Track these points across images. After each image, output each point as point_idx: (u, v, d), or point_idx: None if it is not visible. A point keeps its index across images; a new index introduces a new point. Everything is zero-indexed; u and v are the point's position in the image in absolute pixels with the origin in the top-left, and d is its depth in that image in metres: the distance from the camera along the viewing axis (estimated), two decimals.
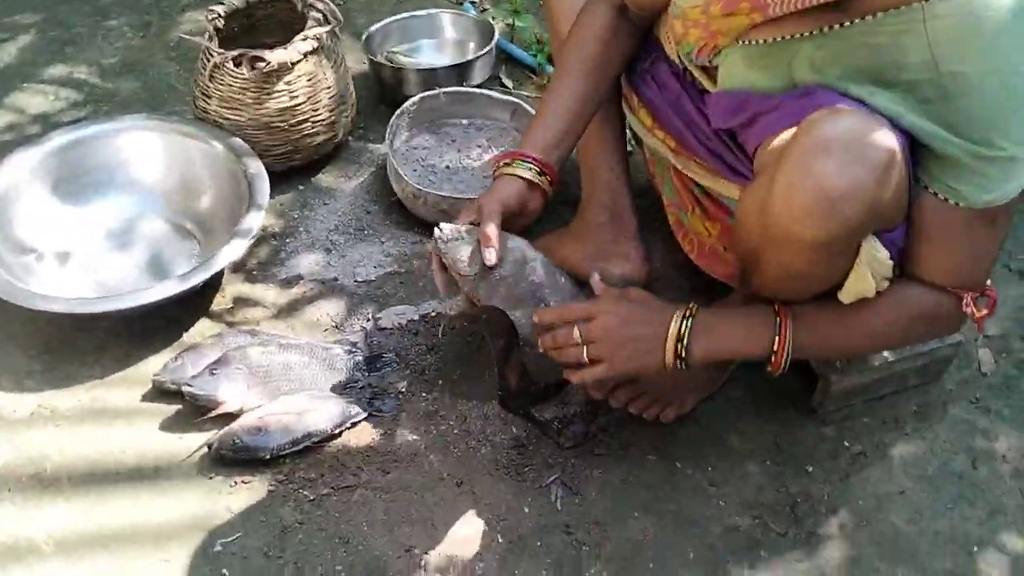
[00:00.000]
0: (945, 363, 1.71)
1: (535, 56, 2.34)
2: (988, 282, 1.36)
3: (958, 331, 1.45)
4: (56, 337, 1.72)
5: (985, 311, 1.35)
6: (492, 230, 1.47)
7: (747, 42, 1.32)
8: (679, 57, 1.49)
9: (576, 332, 1.39)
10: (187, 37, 2.04)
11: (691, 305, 1.39)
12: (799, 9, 1.22)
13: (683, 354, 1.36)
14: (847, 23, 1.21)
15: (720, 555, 1.48)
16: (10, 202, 1.80)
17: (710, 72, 1.46)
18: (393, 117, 2.00)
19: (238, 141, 1.89)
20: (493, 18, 2.49)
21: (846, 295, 1.30)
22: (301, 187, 2.03)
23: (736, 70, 1.36)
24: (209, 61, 1.91)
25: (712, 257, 1.66)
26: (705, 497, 1.56)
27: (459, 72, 2.17)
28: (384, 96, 2.19)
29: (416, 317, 1.78)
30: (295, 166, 2.01)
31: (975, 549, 1.51)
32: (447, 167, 2.02)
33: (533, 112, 2.03)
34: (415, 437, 1.61)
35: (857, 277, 1.27)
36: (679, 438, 1.63)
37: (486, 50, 2.21)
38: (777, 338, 1.36)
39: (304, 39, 1.90)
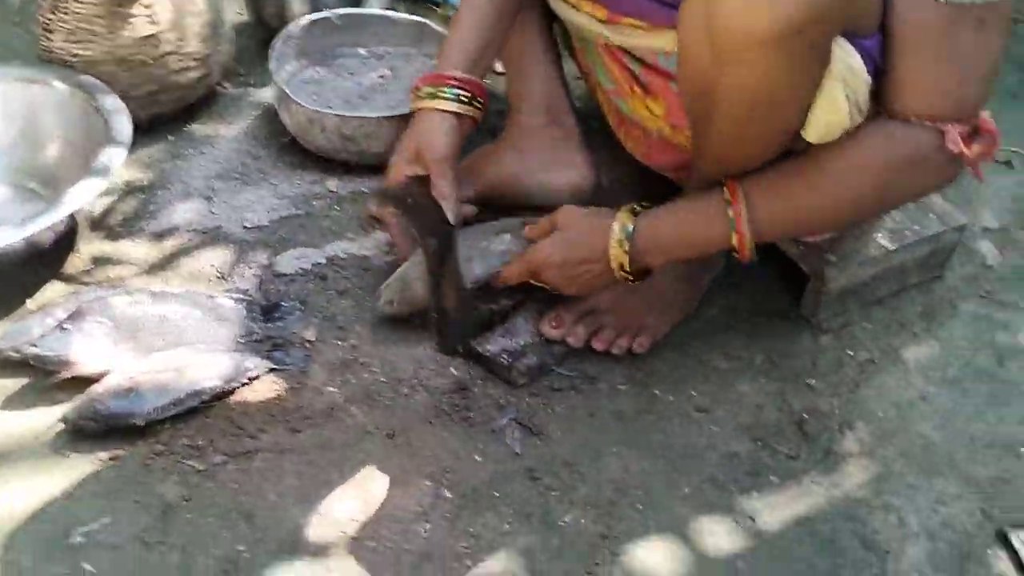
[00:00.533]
0: (947, 253, 1.53)
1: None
2: (986, 114, 1.13)
3: (952, 179, 1.19)
4: None
5: (979, 148, 1.11)
6: (447, 187, 1.33)
7: None
8: None
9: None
10: None
11: (631, 206, 1.24)
12: None
13: (628, 265, 1.22)
14: None
15: (722, 485, 1.24)
16: None
17: None
18: (277, 41, 1.72)
19: (87, 78, 1.59)
20: None
21: (814, 128, 1.10)
22: (171, 137, 1.73)
23: None
24: None
25: (660, 148, 1.43)
26: (694, 424, 1.32)
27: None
28: (268, 38, 1.90)
29: (323, 260, 1.50)
30: (163, 113, 1.71)
31: (1022, 451, 1.29)
32: (345, 103, 1.74)
33: (444, 33, 1.78)
34: (331, 389, 1.32)
35: (828, 101, 1.07)
36: (653, 365, 1.39)
37: None
38: (731, 213, 1.17)
39: None
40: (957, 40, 1.06)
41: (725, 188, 1.17)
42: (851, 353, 1.42)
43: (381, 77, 1.81)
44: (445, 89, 1.34)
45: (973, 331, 1.47)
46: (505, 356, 1.33)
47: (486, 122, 1.47)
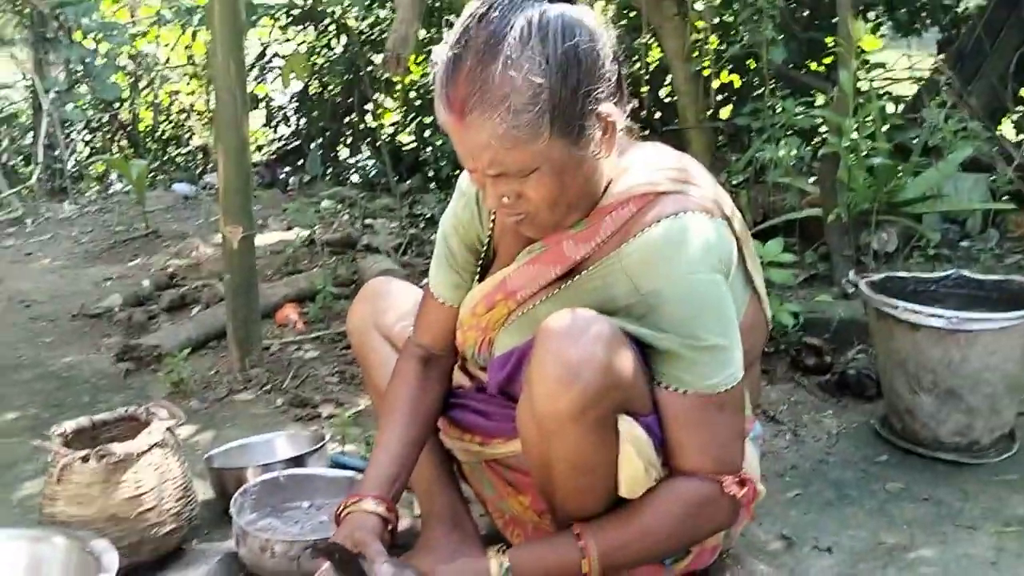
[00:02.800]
0: None
1: (365, 459, 2.56)
2: (746, 469, 1.59)
3: (735, 519, 1.62)
4: None
5: (747, 492, 1.56)
6: (376, 548, 1.58)
7: (510, 323, 1.67)
8: (473, 360, 1.78)
9: None
10: (39, 444, 2.19)
11: (499, 547, 1.56)
12: (540, 288, 1.61)
13: None
14: (570, 281, 1.60)
15: None
16: None
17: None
18: (237, 496, 2.14)
19: (83, 532, 1.94)
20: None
21: (623, 485, 1.52)
22: None
23: (503, 341, 1.68)
24: (57, 465, 2.05)
25: (534, 533, 1.83)
26: None
27: (296, 464, 2.37)
28: (227, 506, 2.32)
29: None
30: (141, 562, 2.06)
31: None
32: (291, 542, 2.12)
33: None
34: None
35: (625, 459, 1.50)
36: None
37: (320, 445, 2.44)
38: (582, 554, 1.52)
39: (149, 432, 2.11)
40: (708, 418, 1.53)
41: (576, 533, 1.53)
42: None
43: (321, 523, 2.20)
44: (371, 500, 1.68)
45: None
46: None
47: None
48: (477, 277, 1.76)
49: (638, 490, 1.53)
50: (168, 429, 2.16)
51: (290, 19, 6.91)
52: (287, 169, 7.06)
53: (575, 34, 1.42)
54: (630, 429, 1.50)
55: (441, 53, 1.45)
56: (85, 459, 2.03)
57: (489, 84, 1.38)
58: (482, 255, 1.76)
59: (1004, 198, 4.00)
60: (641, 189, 1.55)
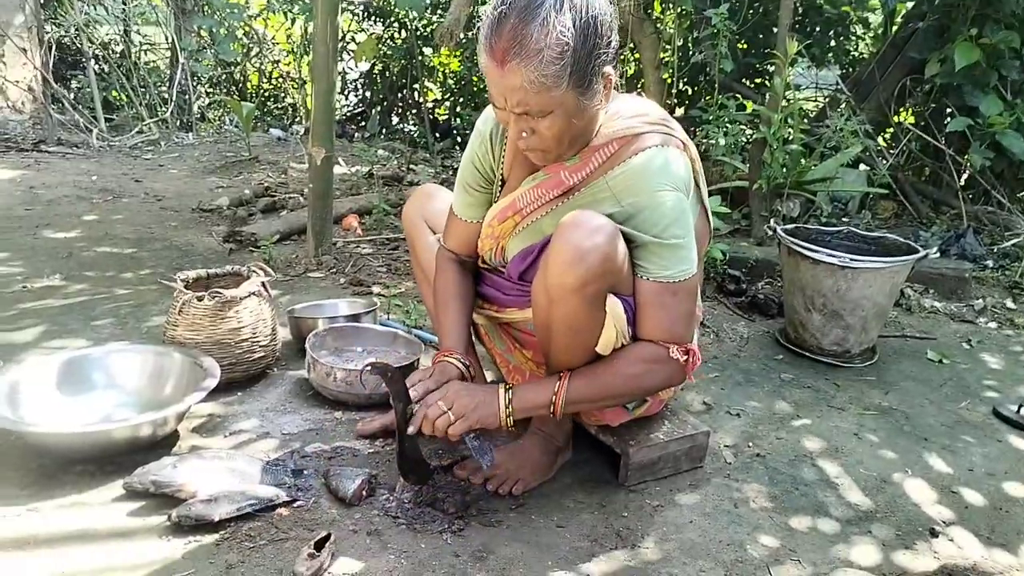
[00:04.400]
0: (703, 449, 1.81)
1: (404, 323, 2.51)
2: (694, 343, 1.53)
3: (682, 380, 1.56)
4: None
5: (690, 360, 1.50)
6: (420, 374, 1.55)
7: (516, 232, 1.59)
8: (490, 261, 1.70)
9: (440, 402, 1.47)
10: (164, 282, 2.12)
11: (508, 384, 1.52)
12: (540, 205, 1.54)
13: (510, 409, 1.47)
14: (566, 200, 1.52)
15: (571, 562, 1.46)
16: (23, 390, 1.74)
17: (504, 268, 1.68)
18: (310, 335, 2.09)
19: (194, 350, 1.92)
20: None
21: (601, 345, 1.46)
22: (240, 392, 2.02)
23: (513, 245, 1.60)
24: (179, 301, 1.99)
25: (531, 379, 1.77)
26: (555, 532, 1.54)
27: (353, 320, 2.32)
28: (302, 345, 2.26)
29: (329, 449, 1.76)
30: (235, 379, 2.01)
31: (747, 549, 1.55)
32: (348, 370, 2.07)
33: (408, 338, 2.20)
34: (332, 511, 1.54)
35: (605, 330, 1.45)
36: (530, 506, 1.62)
37: (371, 309, 2.38)
38: (556, 389, 1.48)
39: (249, 283, 2.04)
40: (663, 301, 1.46)
41: (559, 377, 1.49)
42: (648, 500, 1.66)
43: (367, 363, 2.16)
44: (458, 358, 1.60)
45: (719, 491, 1.72)
46: (443, 496, 1.59)
47: None
48: (494, 199, 1.68)
49: (609, 350, 1.48)
50: (262, 283, 2.09)
51: (365, 14, 6.72)
52: (353, 127, 6.89)
53: (595, 7, 1.34)
54: (613, 305, 1.44)
55: (488, 11, 1.35)
56: (200, 298, 1.98)
57: (527, 40, 1.30)
58: (496, 182, 1.67)
59: (877, 187, 3.95)
60: (621, 133, 1.49)
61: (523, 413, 1.50)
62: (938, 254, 3.42)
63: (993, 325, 2.93)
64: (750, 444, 1.94)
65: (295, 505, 1.54)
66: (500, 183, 1.66)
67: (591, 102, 1.40)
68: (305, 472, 1.65)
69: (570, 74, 1.33)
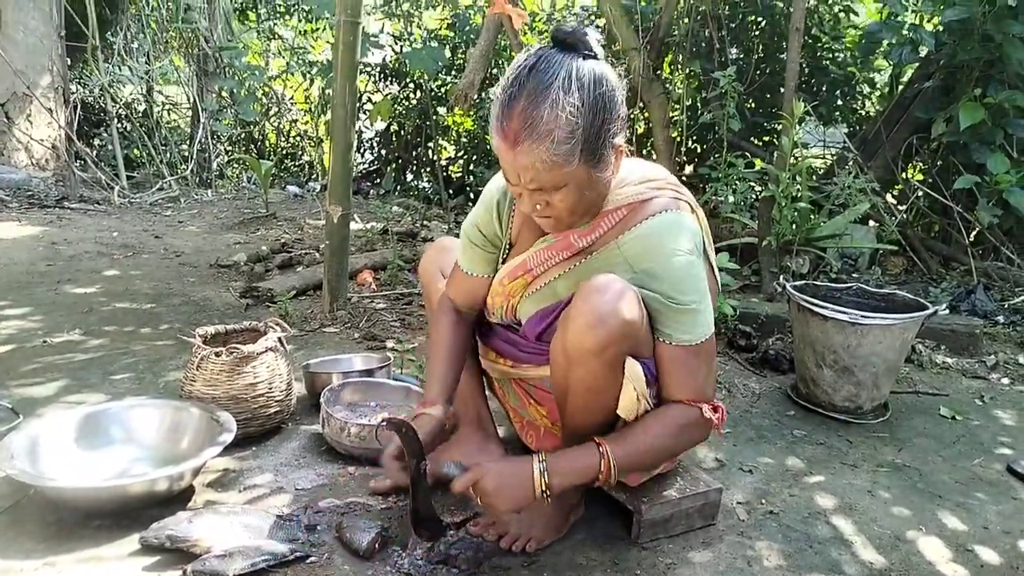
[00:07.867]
0: (716, 506, 1.81)
1: (418, 378, 2.53)
2: (718, 401, 1.55)
3: (707, 435, 1.58)
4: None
5: (718, 416, 1.53)
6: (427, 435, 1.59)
7: (529, 294, 1.63)
8: (500, 319, 1.73)
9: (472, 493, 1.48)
10: (183, 337, 2.16)
11: (539, 453, 1.50)
12: (550, 267, 1.57)
13: (546, 487, 1.45)
14: (579, 263, 1.56)
15: None
16: (43, 444, 1.77)
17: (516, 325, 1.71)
18: (324, 390, 2.12)
19: (210, 405, 1.95)
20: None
21: (624, 409, 1.48)
22: (254, 447, 2.05)
23: (526, 307, 1.64)
24: (197, 356, 2.03)
25: (546, 437, 1.79)
26: None
27: (367, 375, 2.34)
28: (317, 400, 2.29)
29: (342, 504, 1.77)
30: (250, 434, 2.04)
31: None
32: (362, 426, 2.09)
33: (420, 391, 2.21)
34: (345, 567, 1.54)
35: (625, 392, 1.46)
36: (543, 563, 1.62)
37: (385, 364, 2.41)
38: (601, 458, 1.47)
39: (266, 339, 2.08)
40: (688, 363, 1.49)
41: (598, 444, 1.48)
42: (661, 559, 1.65)
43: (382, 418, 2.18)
44: (436, 407, 1.65)
45: (733, 549, 1.71)
46: (454, 550, 1.59)
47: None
48: (501, 260, 1.70)
49: (631, 412, 1.49)
50: (279, 339, 2.13)
51: (381, 75, 6.91)
52: (368, 184, 7.02)
53: (603, 84, 1.38)
54: (632, 367, 1.46)
55: (498, 92, 1.39)
56: (218, 354, 2.01)
57: (538, 121, 1.33)
58: (502, 246, 1.70)
59: (886, 243, 3.98)
60: (630, 199, 1.53)
61: (562, 487, 1.48)
62: (948, 310, 3.43)
63: (1006, 381, 2.92)
64: (763, 501, 1.94)
65: (308, 561, 1.55)
66: (507, 247, 1.70)
67: (603, 174, 1.44)
68: (318, 528, 1.67)
69: (581, 151, 1.37)
